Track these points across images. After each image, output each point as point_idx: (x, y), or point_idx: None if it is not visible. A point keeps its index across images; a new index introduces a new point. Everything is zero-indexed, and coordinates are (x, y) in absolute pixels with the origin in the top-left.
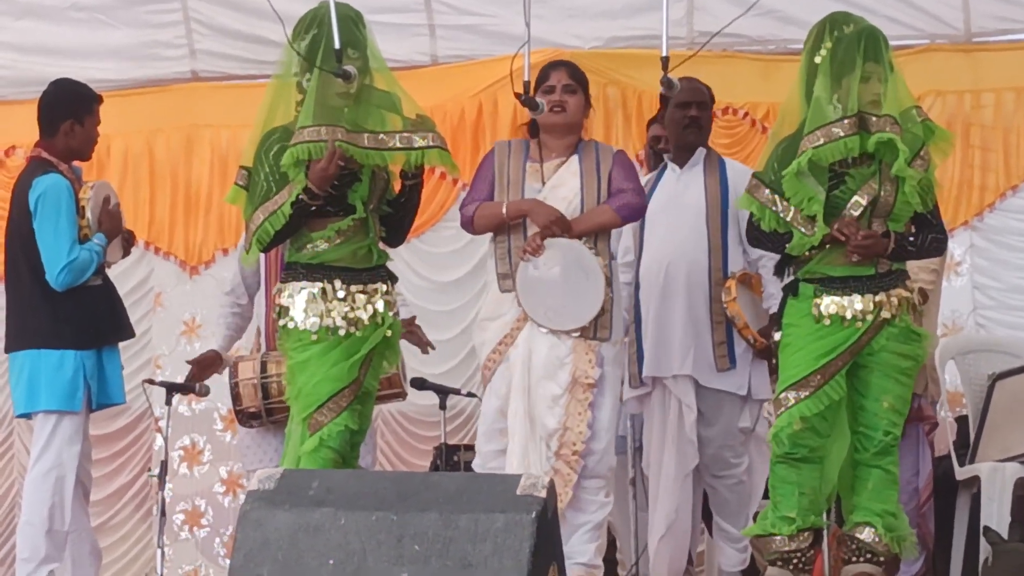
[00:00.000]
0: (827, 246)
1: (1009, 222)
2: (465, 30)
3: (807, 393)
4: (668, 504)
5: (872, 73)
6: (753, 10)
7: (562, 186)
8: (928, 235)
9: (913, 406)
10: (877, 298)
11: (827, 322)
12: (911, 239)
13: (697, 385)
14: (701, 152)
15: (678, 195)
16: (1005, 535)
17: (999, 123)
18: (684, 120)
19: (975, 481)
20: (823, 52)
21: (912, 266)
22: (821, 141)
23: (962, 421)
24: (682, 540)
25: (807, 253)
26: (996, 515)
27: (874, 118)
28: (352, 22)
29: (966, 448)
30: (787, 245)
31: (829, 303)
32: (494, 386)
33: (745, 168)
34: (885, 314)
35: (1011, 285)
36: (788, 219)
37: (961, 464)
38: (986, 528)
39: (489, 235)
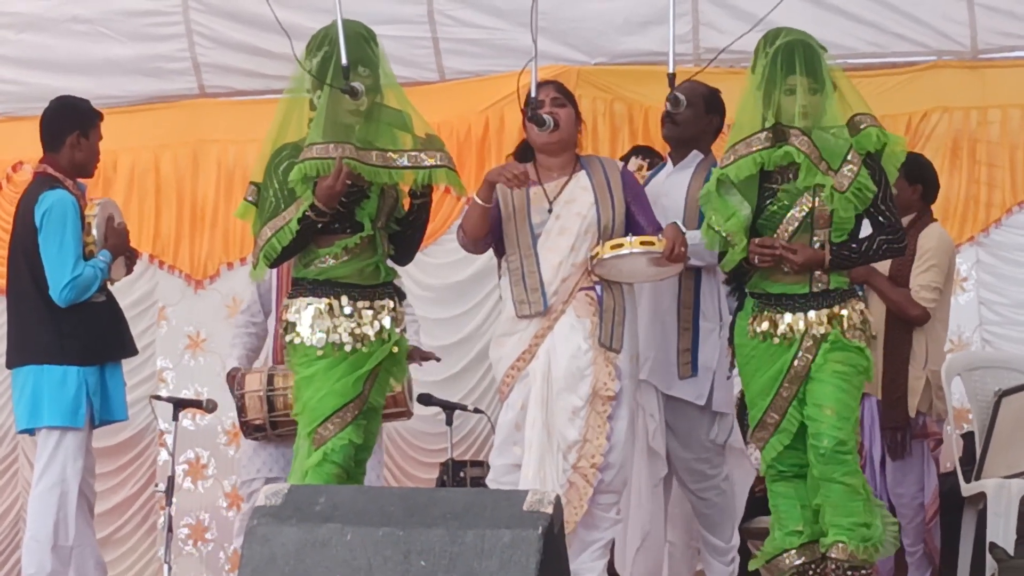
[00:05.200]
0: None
1: (1015, 238)
2: (469, 43)
3: (768, 434)
4: (642, 515)
5: (797, 85)
6: (759, 26)
7: (574, 201)
8: (877, 238)
9: (918, 423)
10: (808, 317)
11: (761, 339)
12: (853, 246)
13: (665, 396)
14: (696, 156)
15: (662, 194)
16: (1011, 551)
17: (1005, 139)
18: (663, 116)
19: (981, 497)
20: (757, 69)
21: (914, 285)
22: (731, 159)
23: (968, 437)
24: (657, 552)
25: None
26: (1002, 531)
27: (792, 131)
28: (364, 40)
29: (972, 464)
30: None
31: (763, 320)
32: (510, 400)
33: None
34: (815, 332)
35: (1017, 301)
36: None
37: (967, 480)
38: (992, 544)
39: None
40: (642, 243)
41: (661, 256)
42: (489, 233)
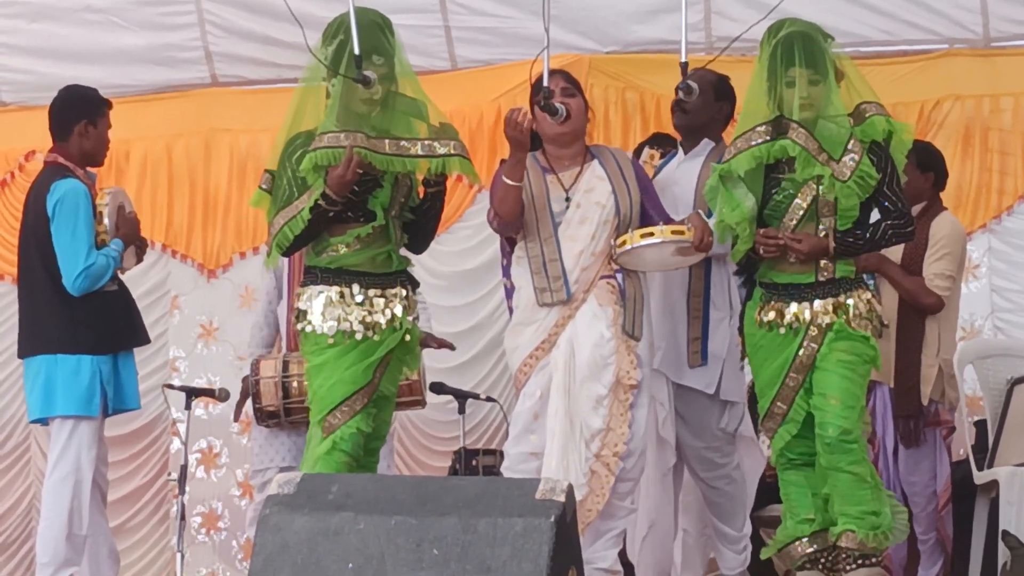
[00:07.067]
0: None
1: None
2: (481, 32)
3: (776, 423)
4: (648, 503)
5: (796, 77)
6: (771, 15)
7: (593, 190)
8: (883, 224)
9: (930, 411)
10: (814, 307)
11: (767, 328)
12: (858, 232)
13: (675, 385)
14: (707, 144)
15: (673, 183)
16: (1023, 539)
17: (1017, 127)
18: (672, 105)
19: (993, 485)
20: (762, 60)
21: (927, 273)
22: (731, 153)
23: (980, 425)
24: (665, 540)
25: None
26: (1015, 519)
27: (792, 124)
28: (380, 28)
29: (984, 452)
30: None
31: (770, 309)
32: (528, 389)
33: None
34: (820, 322)
35: None
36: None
37: (980, 468)
38: (1005, 532)
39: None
40: (673, 231)
41: (690, 245)
42: (523, 213)
